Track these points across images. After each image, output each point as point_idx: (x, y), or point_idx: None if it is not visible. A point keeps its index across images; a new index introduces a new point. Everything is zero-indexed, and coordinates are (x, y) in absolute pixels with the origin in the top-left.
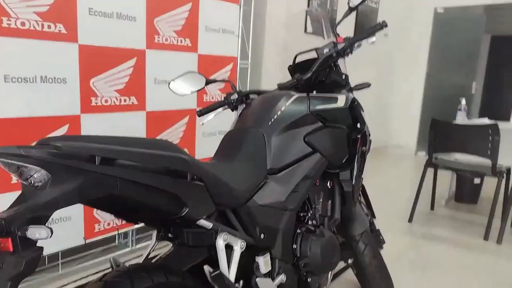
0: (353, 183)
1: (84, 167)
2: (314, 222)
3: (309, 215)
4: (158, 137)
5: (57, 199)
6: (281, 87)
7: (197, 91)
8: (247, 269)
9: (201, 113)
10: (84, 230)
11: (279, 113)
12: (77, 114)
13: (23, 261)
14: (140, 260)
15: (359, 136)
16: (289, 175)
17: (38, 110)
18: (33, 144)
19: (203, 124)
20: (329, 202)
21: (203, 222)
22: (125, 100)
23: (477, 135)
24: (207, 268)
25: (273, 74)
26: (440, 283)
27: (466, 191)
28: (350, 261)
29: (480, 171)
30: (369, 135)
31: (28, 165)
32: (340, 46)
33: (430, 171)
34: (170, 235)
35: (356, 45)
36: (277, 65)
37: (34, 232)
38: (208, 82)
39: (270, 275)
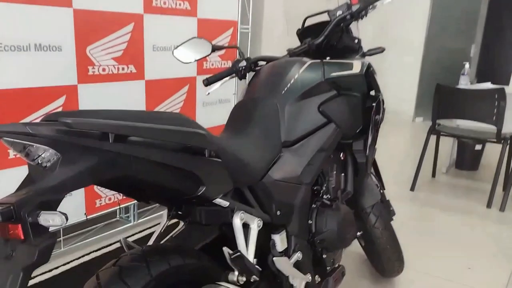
0: (367, 153)
1: (97, 146)
2: (328, 196)
3: (324, 189)
4: (158, 108)
5: (69, 181)
6: (292, 53)
7: (203, 58)
8: (262, 247)
9: (208, 82)
10: (85, 205)
11: (292, 81)
12: (74, 84)
13: (36, 250)
14: (146, 238)
15: (374, 104)
16: (304, 148)
17: (32, 81)
18: (39, 120)
19: (208, 94)
20: (342, 174)
21: (219, 201)
22: (123, 69)
23: (483, 101)
24: (226, 250)
25: (274, 40)
26: (444, 250)
27: (467, 158)
28: (358, 233)
29: (483, 138)
30: (383, 102)
31: (35, 144)
32: (354, 8)
33: (431, 138)
34: (180, 212)
35: (370, 6)
36: (278, 30)
37: (47, 218)
38: (214, 48)
39: (286, 252)
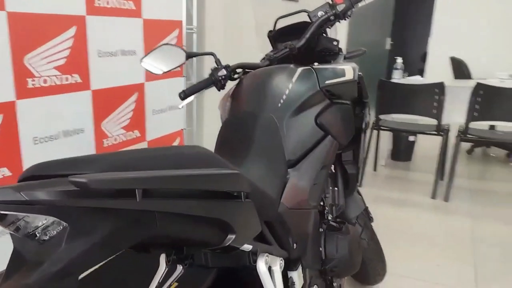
0: (359, 164)
1: (118, 207)
2: (330, 216)
3: (327, 209)
4: (107, 120)
5: (81, 258)
6: (273, 58)
7: (177, 67)
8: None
9: (186, 95)
10: None
11: (287, 92)
12: (12, 100)
13: None
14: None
15: (364, 111)
16: (307, 166)
17: None
18: (22, 178)
19: (182, 107)
20: (336, 188)
21: (245, 246)
22: (67, 79)
23: (424, 95)
24: None
25: (216, 41)
26: (407, 249)
27: (402, 150)
28: None
29: (424, 130)
30: (369, 108)
31: (35, 215)
32: (340, 7)
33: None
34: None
35: (355, 6)
36: (221, 30)
37: None
38: (189, 56)
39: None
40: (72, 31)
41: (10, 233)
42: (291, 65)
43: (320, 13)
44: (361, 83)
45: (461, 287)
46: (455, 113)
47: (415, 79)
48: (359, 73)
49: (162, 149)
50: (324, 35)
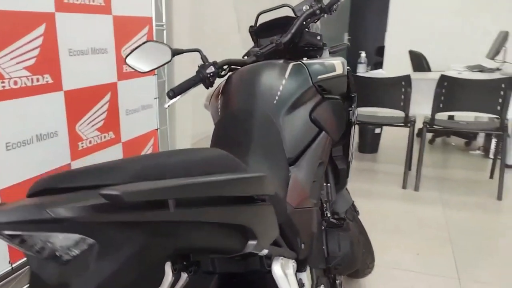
0: (349, 159)
1: (149, 219)
2: (327, 213)
3: (325, 206)
4: (82, 122)
5: (111, 280)
6: (260, 54)
7: (164, 65)
8: None
9: (174, 94)
10: (9, 251)
11: (281, 88)
12: None
13: None
14: None
15: (353, 105)
16: (306, 164)
17: None
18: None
19: (168, 107)
20: (328, 184)
21: (263, 252)
22: (38, 80)
23: (391, 88)
24: None
25: (185, 38)
26: (386, 239)
27: (368, 142)
28: None
29: (392, 123)
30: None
31: (62, 234)
32: (325, 1)
33: None
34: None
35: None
36: (189, 27)
37: None
38: (175, 53)
39: None
40: (41, 29)
41: (27, 255)
42: (281, 61)
43: (305, 7)
44: (349, 77)
45: (444, 274)
46: (416, 105)
47: (378, 73)
48: (348, 68)
49: (181, 154)
50: (307, 30)
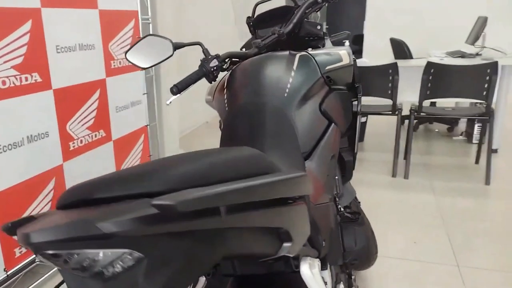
0: (355, 150)
1: (209, 226)
2: (340, 207)
3: (338, 200)
4: (72, 121)
5: None
6: (262, 45)
7: (165, 59)
8: None
9: (178, 89)
10: (3, 258)
11: (290, 80)
12: None
13: None
14: None
15: (359, 96)
16: (319, 158)
17: None
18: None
19: (170, 103)
20: (336, 177)
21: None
22: (26, 79)
23: (378, 76)
24: None
25: (169, 32)
26: (383, 229)
27: None
28: None
29: (374, 111)
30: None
31: (110, 250)
32: None
33: None
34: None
35: None
36: (172, 20)
37: None
38: (176, 46)
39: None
40: (27, 26)
41: (64, 274)
42: (286, 52)
43: None
44: (354, 67)
45: (444, 262)
46: (401, 92)
47: (362, 61)
48: (353, 57)
49: (216, 155)
50: (306, 19)
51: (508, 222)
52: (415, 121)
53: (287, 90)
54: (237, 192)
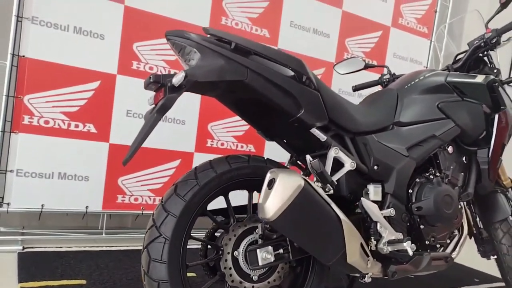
0: (489, 161)
1: (225, 54)
2: (432, 175)
3: (431, 170)
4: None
5: (202, 70)
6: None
7: (356, 71)
8: (357, 193)
9: (356, 88)
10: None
11: (416, 80)
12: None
13: (165, 98)
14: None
15: (497, 115)
16: (415, 130)
17: None
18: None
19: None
20: (461, 174)
21: (317, 133)
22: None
23: None
24: (308, 157)
25: None
26: None
27: None
28: (492, 257)
29: None
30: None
31: (187, 46)
32: (487, 35)
33: None
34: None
35: (505, 38)
36: None
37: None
38: (366, 66)
39: (381, 205)
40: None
41: (180, 60)
42: (436, 69)
43: (475, 42)
44: (496, 91)
45: None
46: None
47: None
48: (496, 83)
49: (274, 49)
50: (489, 64)
51: None
52: None
53: (409, 85)
54: (245, 40)
